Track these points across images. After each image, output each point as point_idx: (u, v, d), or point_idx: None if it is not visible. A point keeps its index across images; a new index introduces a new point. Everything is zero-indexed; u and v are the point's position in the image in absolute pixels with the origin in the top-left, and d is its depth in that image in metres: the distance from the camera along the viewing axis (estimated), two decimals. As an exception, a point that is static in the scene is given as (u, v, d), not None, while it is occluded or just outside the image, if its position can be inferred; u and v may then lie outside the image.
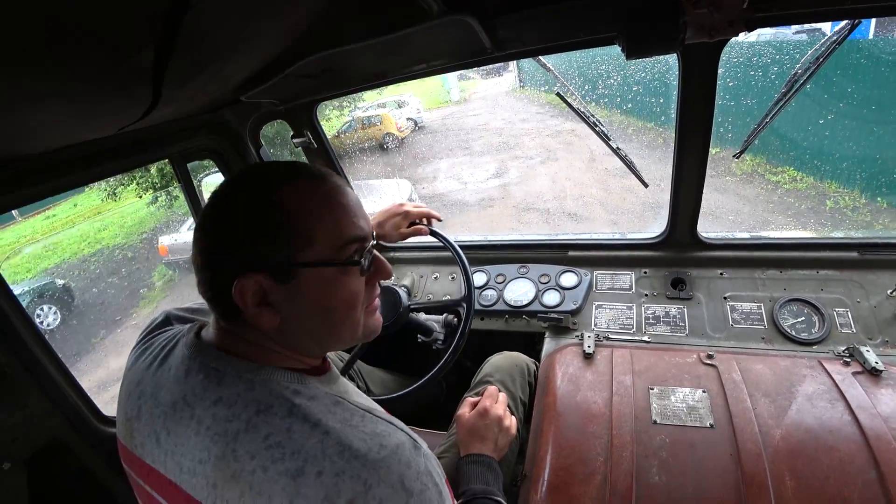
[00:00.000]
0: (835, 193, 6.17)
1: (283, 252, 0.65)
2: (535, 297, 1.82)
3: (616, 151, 1.63)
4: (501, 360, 1.59)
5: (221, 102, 1.39)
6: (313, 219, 0.66)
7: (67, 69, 0.65)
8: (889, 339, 1.42)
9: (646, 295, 1.72)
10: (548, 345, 1.64)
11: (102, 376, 6.10)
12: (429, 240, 1.68)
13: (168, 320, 0.90)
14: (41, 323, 6.86)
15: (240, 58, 1.03)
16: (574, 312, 1.72)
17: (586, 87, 10.84)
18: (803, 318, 1.52)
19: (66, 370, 1.23)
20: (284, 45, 1.05)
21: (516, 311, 1.82)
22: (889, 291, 1.49)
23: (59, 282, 7.82)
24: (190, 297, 7.12)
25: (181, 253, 7.81)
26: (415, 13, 0.96)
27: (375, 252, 0.76)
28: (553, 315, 1.67)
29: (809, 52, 1.35)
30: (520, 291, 1.86)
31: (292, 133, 1.80)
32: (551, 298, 1.79)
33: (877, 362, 1.29)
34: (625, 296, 1.74)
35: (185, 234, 8.06)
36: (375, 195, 7.95)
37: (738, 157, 1.58)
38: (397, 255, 2.22)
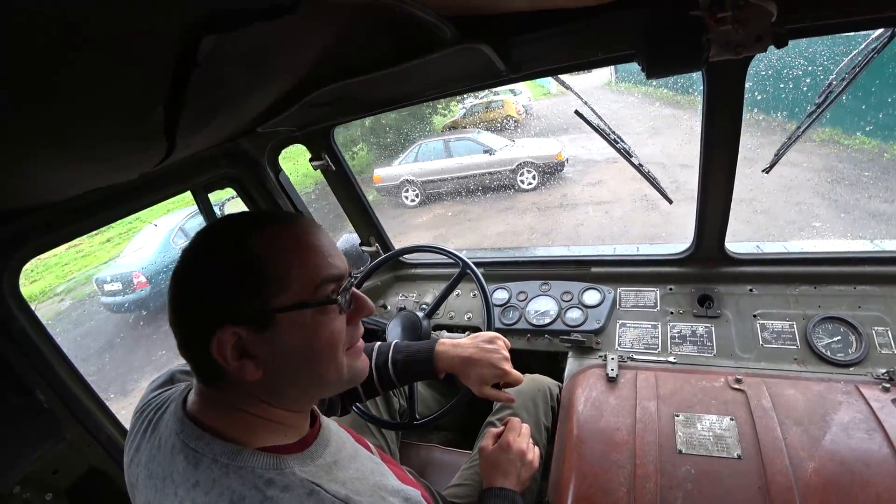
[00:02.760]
0: (893, 149, 7.28)
1: (258, 300, 0.64)
2: (558, 316, 1.80)
3: (638, 168, 1.59)
4: (523, 385, 1.56)
5: (238, 133, 1.41)
6: (286, 262, 0.65)
7: (86, 131, 0.67)
8: None
9: (671, 313, 1.67)
10: (570, 365, 1.61)
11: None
12: (447, 259, 1.67)
13: (171, 379, 0.89)
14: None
15: (254, 97, 1.04)
16: (597, 332, 1.69)
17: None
18: (839, 338, 1.45)
19: (101, 402, 1.27)
20: (298, 79, 1.05)
21: (539, 331, 1.80)
22: None
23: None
24: (387, 219, 9.10)
25: (391, 181, 10.25)
26: (429, 42, 0.96)
27: (354, 289, 0.74)
28: (576, 335, 1.64)
29: (846, 61, 1.29)
30: (542, 309, 1.84)
31: (311, 157, 1.81)
32: (574, 316, 1.76)
33: None
34: (649, 314, 1.70)
35: (395, 168, 10.33)
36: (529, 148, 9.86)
37: (767, 172, 1.51)
38: (418, 271, 2.22)
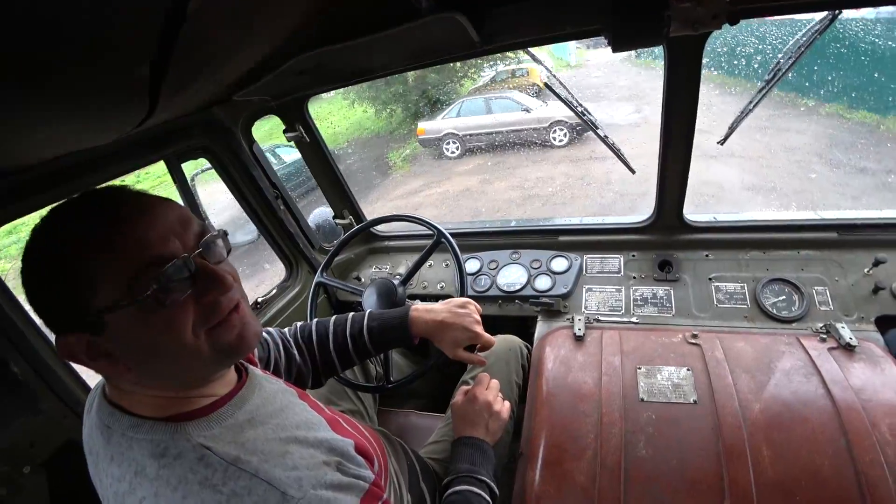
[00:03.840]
0: (889, 122, 8.25)
1: (76, 306, 0.58)
2: (528, 282, 1.87)
3: (604, 140, 1.67)
4: (495, 345, 1.64)
5: (213, 102, 1.40)
6: (90, 260, 0.58)
7: (68, 87, 0.67)
8: (864, 316, 1.49)
9: (634, 277, 1.78)
10: (540, 328, 1.70)
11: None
12: (422, 229, 1.71)
13: None
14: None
15: (234, 61, 1.05)
16: (565, 296, 1.77)
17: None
18: (784, 297, 1.59)
19: (77, 375, 1.26)
20: (277, 45, 1.07)
21: (509, 297, 1.87)
22: (866, 270, 1.55)
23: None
24: (431, 168, 10.92)
25: (433, 134, 11.19)
26: (405, 11, 0.99)
27: (201, 261, 0.65)
28: (545, 299, 1.73)
29: (791, 42, 1.39)
30: (512, 277, 1.92)
31: (284, 128, 1.81)
32: (543, 283, 1.84)
33: (851, 338, 1.36)
34: (614, 279, 1.80)
35: (438, 122, 11.28)
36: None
37: (722, 144, 1.62)
38: (391, 244, 2.26)
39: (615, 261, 1.85)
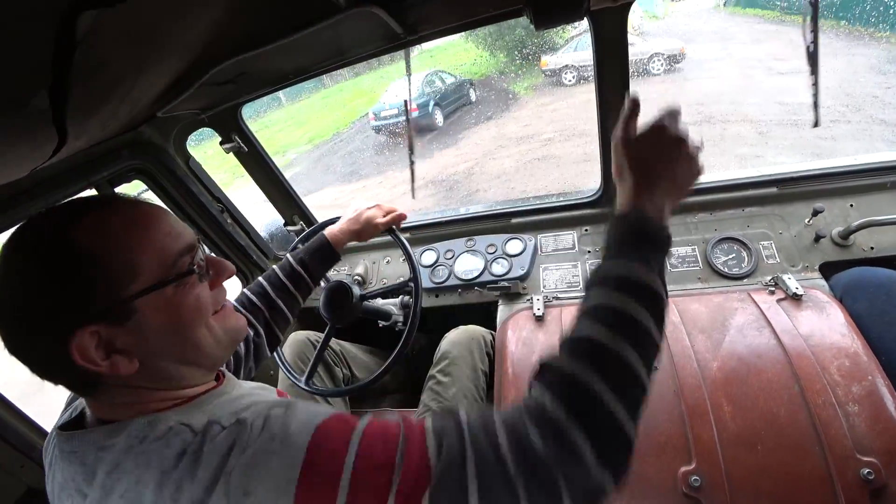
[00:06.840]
0: None
1: (109, 294, 0.59)
2: (485, 268, 1.86)
3: None
4: (458, 336, 1.64)
5: (139, 121, 1.34)
6: (130, 247, 0.62)
7: None
8: (808, 264, 1.54)
9: (588, 252, 1.79)
10: (501, 312, 1.70)
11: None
12: None
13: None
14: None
15: (146, 78, 1.00)
16: (523, 278, 1.77)
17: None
18: (733, 255, 1.62)
19: (30, 420, 1.21)
20: (193, 56, 1.02)
21: (468, 284, 1.87)
22: (806, 220, 1.60)
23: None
24: (547, 91, 12.72)
25: (554, 65, 12.64)
26: (322, 8, 0.97)
27: (210, 254, 0.74)
28: (503, 283, 1.73)
29: None
30: (469, 264, 1.90)
31: (221, 139, 1.75)
32: (500, 267, 1.84)
33: (797, 288, 1.40)
34: (569, 255, 1.81)
35: (559, 56, 12.65)
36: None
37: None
38: (348, 245, 2.22)
39: (568, 237, 1.86)
